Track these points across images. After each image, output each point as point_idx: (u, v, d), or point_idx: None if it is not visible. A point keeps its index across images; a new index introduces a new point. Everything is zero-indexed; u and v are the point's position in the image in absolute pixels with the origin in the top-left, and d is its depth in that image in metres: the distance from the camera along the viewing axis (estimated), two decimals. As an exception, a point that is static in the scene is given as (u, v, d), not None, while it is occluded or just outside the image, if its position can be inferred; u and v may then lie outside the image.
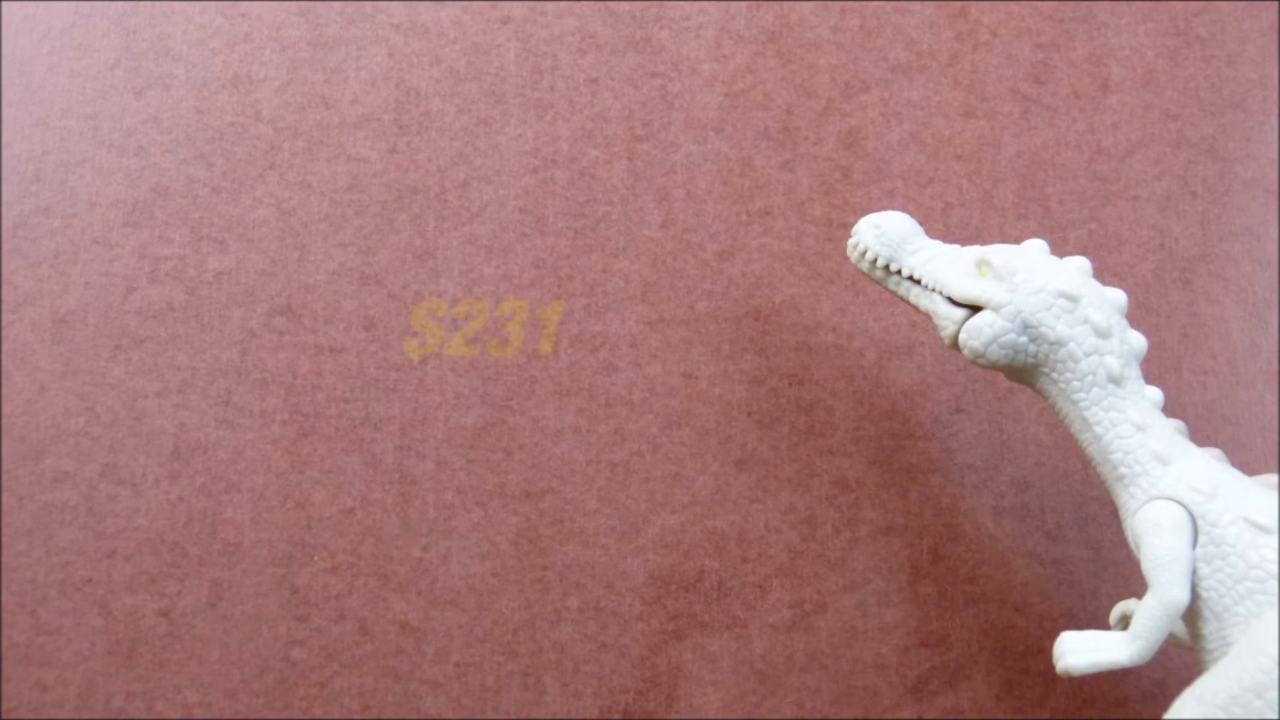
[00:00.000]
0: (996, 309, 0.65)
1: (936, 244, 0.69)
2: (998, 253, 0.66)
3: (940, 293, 0.67)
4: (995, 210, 0.84)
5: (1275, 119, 0.87)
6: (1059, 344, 0.65)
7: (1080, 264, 0.66)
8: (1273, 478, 0.64)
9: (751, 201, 0.83)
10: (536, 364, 0.80)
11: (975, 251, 0.67)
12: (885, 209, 0.83)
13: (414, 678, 0.76)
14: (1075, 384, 0.65)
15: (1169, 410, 0.80)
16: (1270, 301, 0.83)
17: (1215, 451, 0.65)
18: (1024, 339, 0.65)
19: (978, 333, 0.65)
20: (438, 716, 0.75)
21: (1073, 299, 0.65)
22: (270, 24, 0.84)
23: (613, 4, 0.85)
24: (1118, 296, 0.66)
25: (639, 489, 0.79)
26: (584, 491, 0.78)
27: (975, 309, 0.66)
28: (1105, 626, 0.77)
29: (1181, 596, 0.60)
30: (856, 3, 0.87)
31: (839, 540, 0.79)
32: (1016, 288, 0.65)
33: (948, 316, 0.67)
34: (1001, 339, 0.65)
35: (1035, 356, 0.65)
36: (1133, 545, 0.64)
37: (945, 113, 0.85)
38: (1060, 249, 0.83)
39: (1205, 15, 0.88)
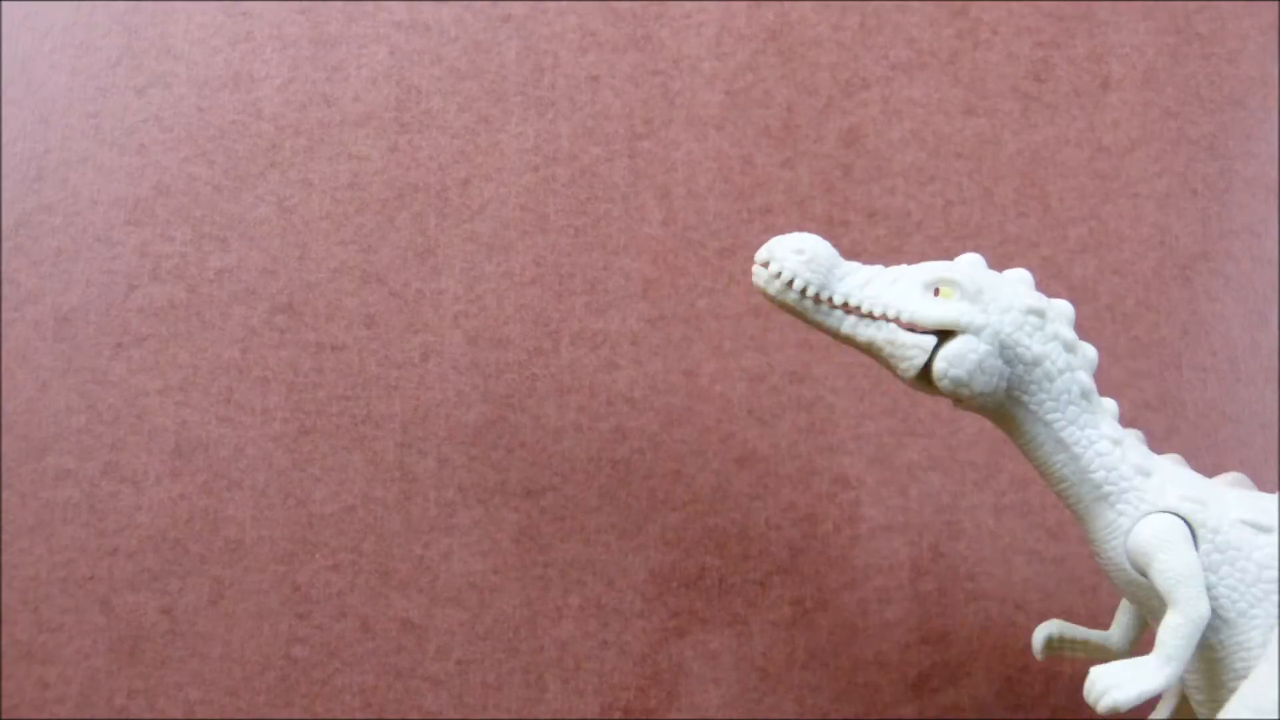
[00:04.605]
0: (976, 332, 0.59)
1: (858, 265, 0.61)
2: (955, 270, 0.60)
3: (897, 320, 0.59)
4: (995, 208, 0.84)
5: (1275, 116, 0.87)
6: (1035, 363, 0.60)
7: (1023, 275, 0.62)
8: (1234, 475, 0.63)
9: (752, 199, 0.83)
10: (538, 361, 0.80)
11: (920, 272, 0.61)
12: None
13: (415, 675, 0.76)
14: (1049, 404, 0.60)
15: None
16: (1270, 299, 0.83)
17: (1175, 456, 0.64)
18: (1000, 361, 0.59)
19: (960, 359, 0.59)
20: (439, 713, 0.75)
21: (1040, 314, 0.60)
22: (271, 22, 0.84)
23: (614, 2, 0.86)
24: (1067, 307, 0.62)
25: (640, 486, 0.79)
26: (585, 489, 0.78)
27: (941, 335, 0.60)
28: (1104, 625, 0.77)
29: (1207, 610, 0.58)
30: (857, 1, 0.87)
31: (839, 538, 0.79)
32: (987, 307, 0.59)
33: (915, 345, 0.59)
34: (985, 364, 0.59)
35: (1009, 379, 0.60)
36: (1123, 565, 0.61)
37: (946, 110, 0.85)
38: (1061, 246, 0.83)
39: (1205, 13, 0.88)
